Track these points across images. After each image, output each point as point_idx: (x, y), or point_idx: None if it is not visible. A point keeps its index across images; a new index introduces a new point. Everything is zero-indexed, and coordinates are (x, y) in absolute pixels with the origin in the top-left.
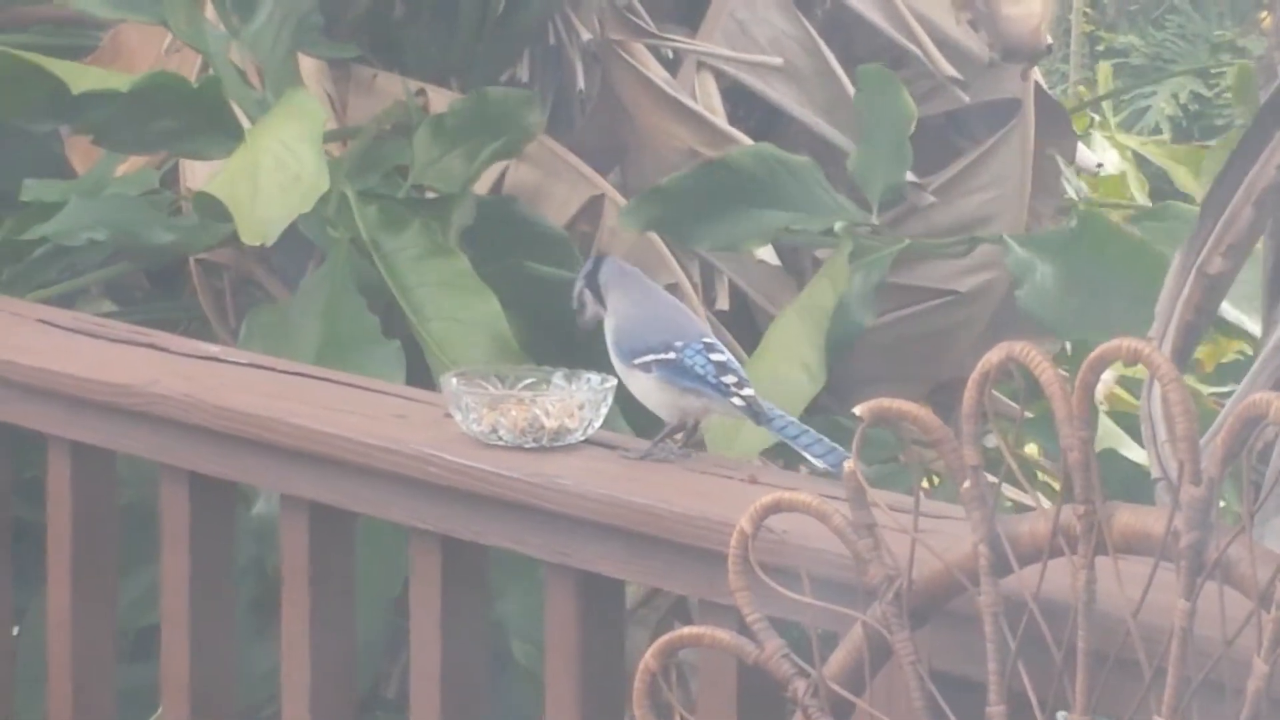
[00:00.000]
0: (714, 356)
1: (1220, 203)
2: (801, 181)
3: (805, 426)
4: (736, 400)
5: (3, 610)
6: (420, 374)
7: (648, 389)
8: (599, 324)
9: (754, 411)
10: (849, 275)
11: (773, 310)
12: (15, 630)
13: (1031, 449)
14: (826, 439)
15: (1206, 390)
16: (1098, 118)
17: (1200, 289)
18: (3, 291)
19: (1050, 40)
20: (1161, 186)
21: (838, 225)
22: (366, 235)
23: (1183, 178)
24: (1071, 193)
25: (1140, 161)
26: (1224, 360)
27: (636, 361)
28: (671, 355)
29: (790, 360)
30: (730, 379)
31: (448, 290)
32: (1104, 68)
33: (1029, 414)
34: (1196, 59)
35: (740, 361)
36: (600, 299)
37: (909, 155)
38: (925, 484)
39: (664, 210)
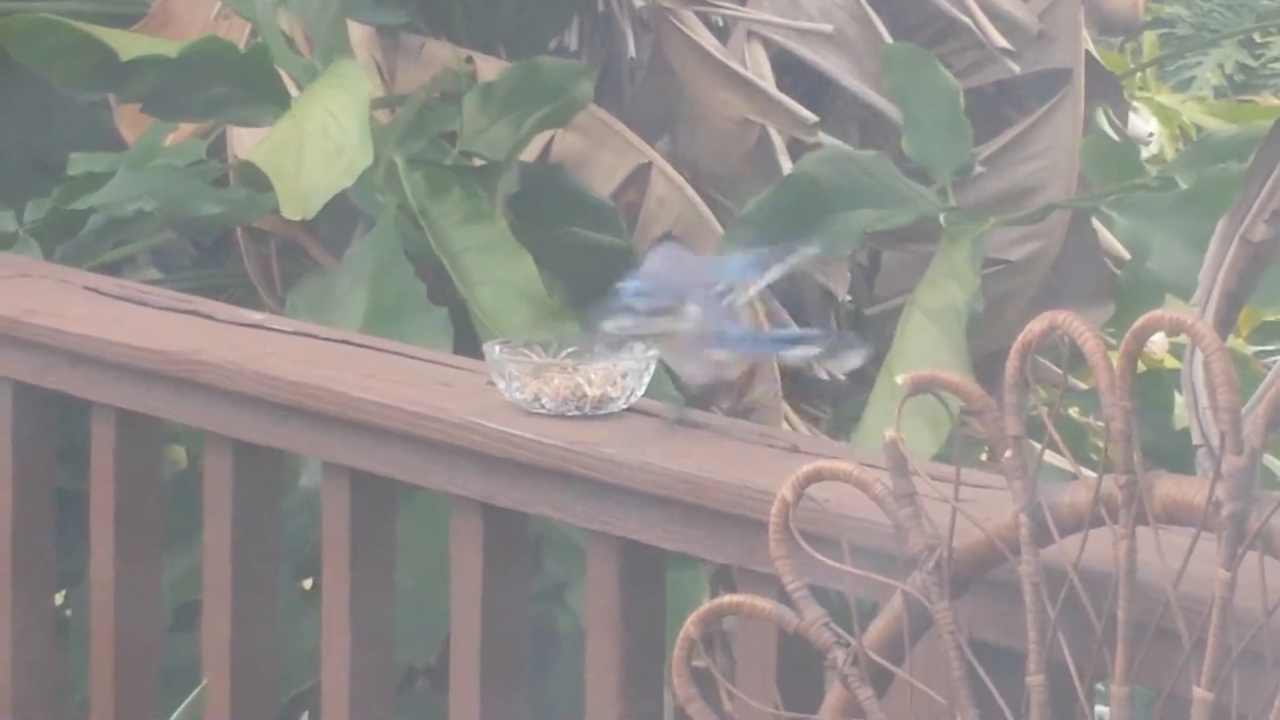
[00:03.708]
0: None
1: (1265, 168)
2: (876, 176)
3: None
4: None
5: (48, 578)
6: (467, 345)
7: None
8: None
9: None
10: (974, 272)
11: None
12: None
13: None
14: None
15: (1251, 350)
16: (1142, 91)
17: (1244, 256)
18: None
19: None
20: None
21: (943, 217)
22: (414, 202)
23: None
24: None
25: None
26: (1268, 319)
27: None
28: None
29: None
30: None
31: (489, 254)
32: (1149, 38)
33: (1085, 386)
34: (1242, 29)
35: None
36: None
37: (969, 130)
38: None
39: (756, 234)
